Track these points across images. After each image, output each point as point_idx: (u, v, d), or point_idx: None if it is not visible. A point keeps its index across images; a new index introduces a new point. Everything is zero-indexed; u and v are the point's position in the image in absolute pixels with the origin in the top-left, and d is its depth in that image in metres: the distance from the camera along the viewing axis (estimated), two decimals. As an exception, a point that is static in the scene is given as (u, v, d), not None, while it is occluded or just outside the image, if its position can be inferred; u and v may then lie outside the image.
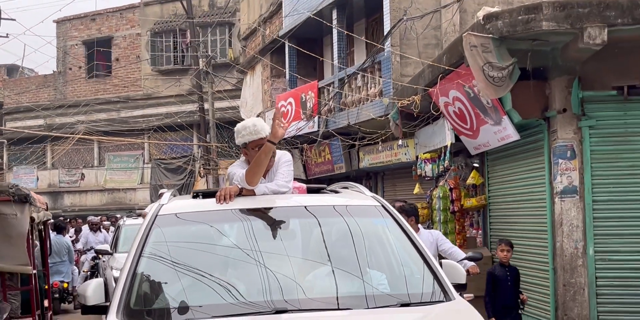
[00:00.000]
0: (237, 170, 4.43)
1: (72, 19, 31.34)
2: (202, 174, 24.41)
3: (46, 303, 7.11)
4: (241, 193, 4.32)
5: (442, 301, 3.72)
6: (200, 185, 24.54)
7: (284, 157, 4.56)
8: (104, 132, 26.46)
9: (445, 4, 10.91)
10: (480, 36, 7.25)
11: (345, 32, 13.67)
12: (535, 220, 8.30)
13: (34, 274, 6.23)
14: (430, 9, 11.87)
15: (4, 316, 5.68)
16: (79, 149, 29.03)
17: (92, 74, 30.51)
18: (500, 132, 8.48)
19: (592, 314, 7.54)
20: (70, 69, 31.00)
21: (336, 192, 4.86)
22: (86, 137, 24.26)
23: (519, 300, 7.58)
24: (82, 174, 29.95)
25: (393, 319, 3.64)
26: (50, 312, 7.65)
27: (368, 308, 3.65)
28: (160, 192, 14.67)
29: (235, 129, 4.55)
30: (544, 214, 8.02)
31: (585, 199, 7.61)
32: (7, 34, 19.84)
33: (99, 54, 29.76)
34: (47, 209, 7.23)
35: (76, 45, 30.99)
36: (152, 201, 25.49)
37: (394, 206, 7.15)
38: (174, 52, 28.75)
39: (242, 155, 4.66)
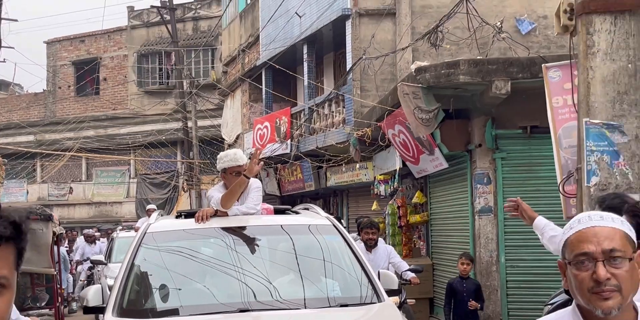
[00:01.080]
0: (215, 193, 5.09)
1: (62, 40, 32.51)
2: (185, 189, 25.71)
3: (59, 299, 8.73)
4: (216, 214, 5.05)
5: (375, 302, 4.49)
6: (184, 199, 25.77)
7: (254, 184, 5.22)
8: (92, 149, 27.39)
9: (395, 50, 12.64)
10: (412, 85, 8.97)
11: (312, 82, 15.38)
12: (462, 234, 10.02)
13: (55, 275, 7.88)
14: (387, 47, 13.62)
15: (43, 304, 7.31)
16: (67, 164, 29.80)
17: (80, 91, 31.52)
18: (434, 160, 10.20)
19: (504, 310, 9.26)
20: (60, 87, 32.04)
21: (297, 213, 5.64)
22: (76, 154, 25.51)
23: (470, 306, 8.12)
24: (71, 188, 30.94)
25: (331, 317, 4.41)
26: (63, 306, 9.28)
27: (314, 308, 4.39)
28: (147, 207, 16.28)
29: (218, 156, 5.26)
30: (467, 229, 9.74)
31: (498, 216, 9.32)
32: (4, 59, 21.36)
33: (87, 74, 30.72)
34: (59, 225, 8.87)
35: (65, 65, 32.25)
36: (137, 214, 26.78)
37: (361, 222, 8.64)
38: (159, 73, 29.94)
39: (221, 179, 5.34)
